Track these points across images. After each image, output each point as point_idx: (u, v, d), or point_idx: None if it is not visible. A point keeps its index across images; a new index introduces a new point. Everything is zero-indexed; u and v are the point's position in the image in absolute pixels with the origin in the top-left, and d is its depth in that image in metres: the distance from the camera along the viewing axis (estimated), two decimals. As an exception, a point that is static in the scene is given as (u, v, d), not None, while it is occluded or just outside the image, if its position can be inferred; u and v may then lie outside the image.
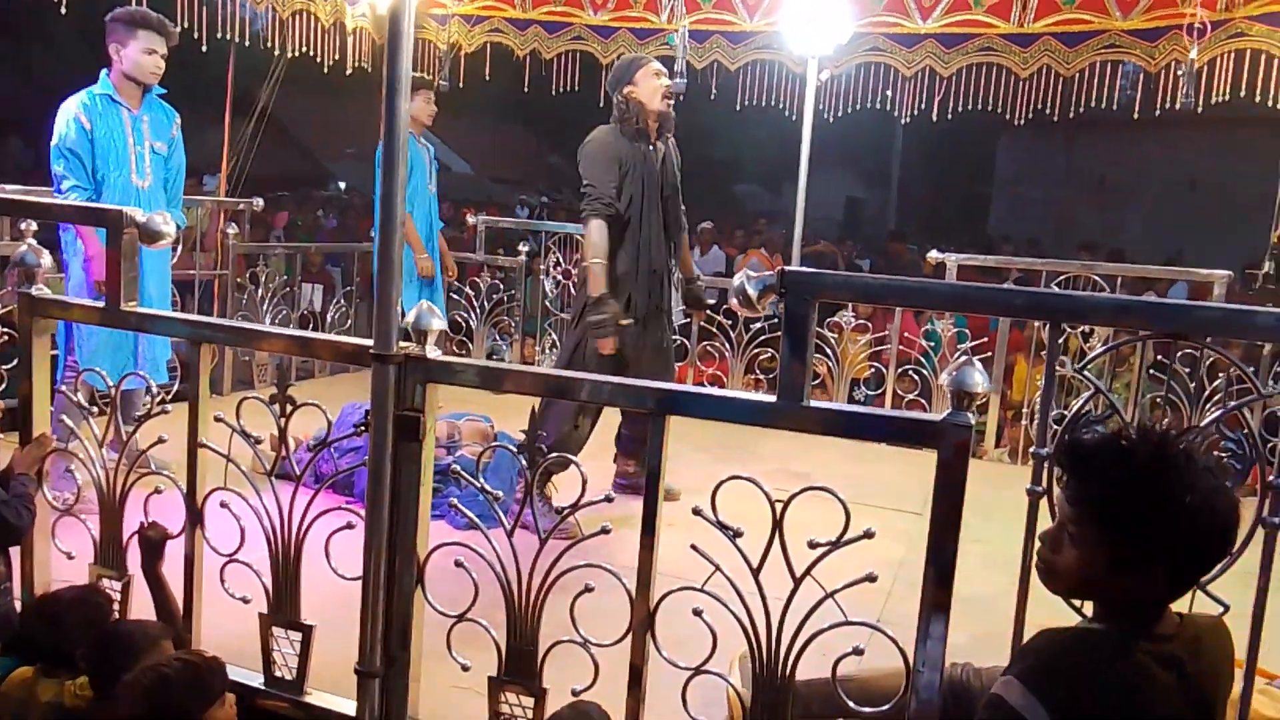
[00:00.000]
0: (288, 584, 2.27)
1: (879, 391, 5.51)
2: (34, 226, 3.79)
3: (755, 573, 1.87)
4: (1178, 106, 4.47)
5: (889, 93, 5.49)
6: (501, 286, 6.29)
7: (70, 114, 3.62)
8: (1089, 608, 1.47)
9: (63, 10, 4.17)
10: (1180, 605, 1.41)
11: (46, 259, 2.57)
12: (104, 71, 3.73)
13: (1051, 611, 1.65)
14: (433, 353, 2.08)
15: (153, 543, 2.33)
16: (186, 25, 4.96)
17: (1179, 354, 4.39)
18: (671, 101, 3.79)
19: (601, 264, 3.62)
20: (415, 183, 5.24)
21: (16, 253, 2.55)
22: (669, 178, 3.85)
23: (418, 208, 5.26)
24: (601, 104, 3.91)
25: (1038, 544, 1.43)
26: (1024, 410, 5.29)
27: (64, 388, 3.27)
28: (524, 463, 2.08)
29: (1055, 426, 1.82)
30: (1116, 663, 1.27)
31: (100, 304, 2.55)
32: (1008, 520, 2.12)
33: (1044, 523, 1.51)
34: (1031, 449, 1.71)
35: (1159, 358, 4.96)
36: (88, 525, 2.52)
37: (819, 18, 4.40)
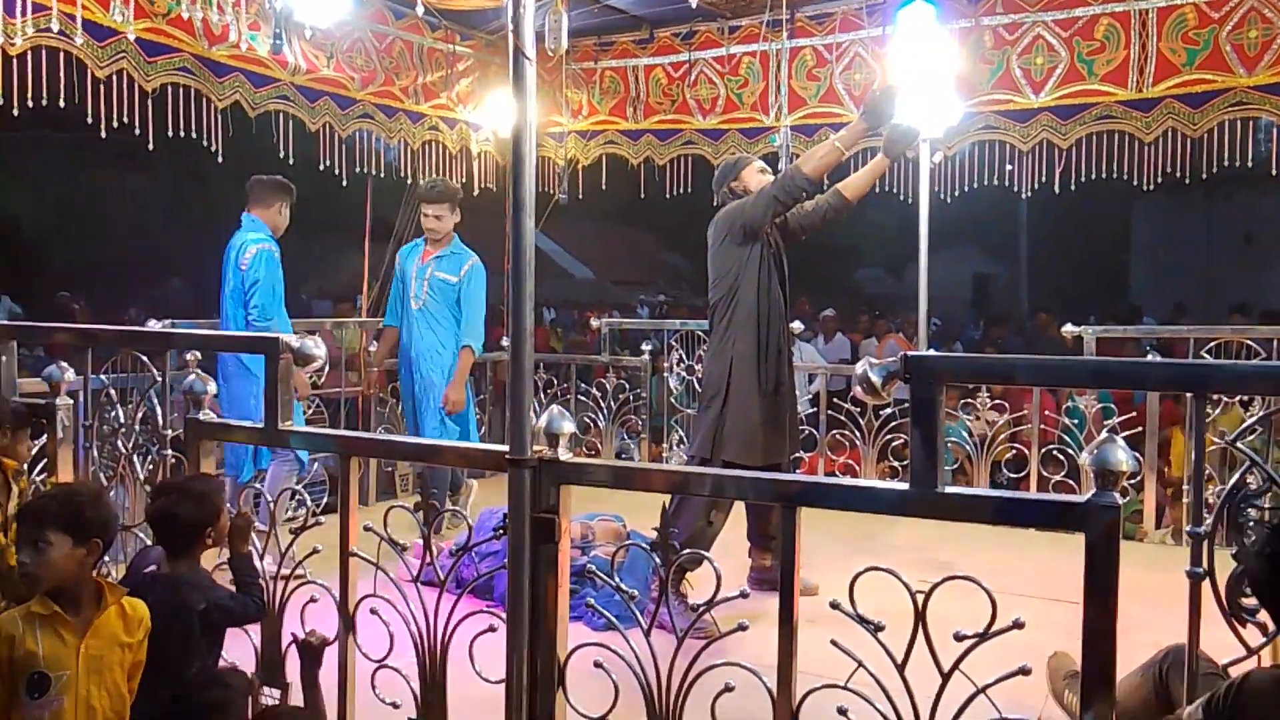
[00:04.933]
0: (435, 689, 2.32)
1: (1022, 474, 5.28)
2: (199, 357, 4.14)
3: (900, 668, 1.81)
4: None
5: (1009, 167, 5.42)
6: (627, 386, 6.39)
7: (272, 256, 4.18)
8: None
9: (220, 159, 4.64)
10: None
11: (212, 386, 2.78)
12: (255, 219, 4.28)
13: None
14: (565, 455, 2.14)
15: (314, 649, 2.42)
16: (329, 163, 5.39)
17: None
18: None
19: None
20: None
21: (185, 381, 2.78)
22: (784, 264, 3.92)
23: None
24: (715, 203, 4.03)
25: None
26: (1184, 488, 4.96)
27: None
28: (658, 561, 2.09)
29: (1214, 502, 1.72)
30: None
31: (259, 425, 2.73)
32: (1176, 606, 1.99)
33: (1207, 606, 1.42)
34: (1188, 528, 1.61)
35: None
36: (249, 635, 2.65)
37: (927, 102, 4.42)
